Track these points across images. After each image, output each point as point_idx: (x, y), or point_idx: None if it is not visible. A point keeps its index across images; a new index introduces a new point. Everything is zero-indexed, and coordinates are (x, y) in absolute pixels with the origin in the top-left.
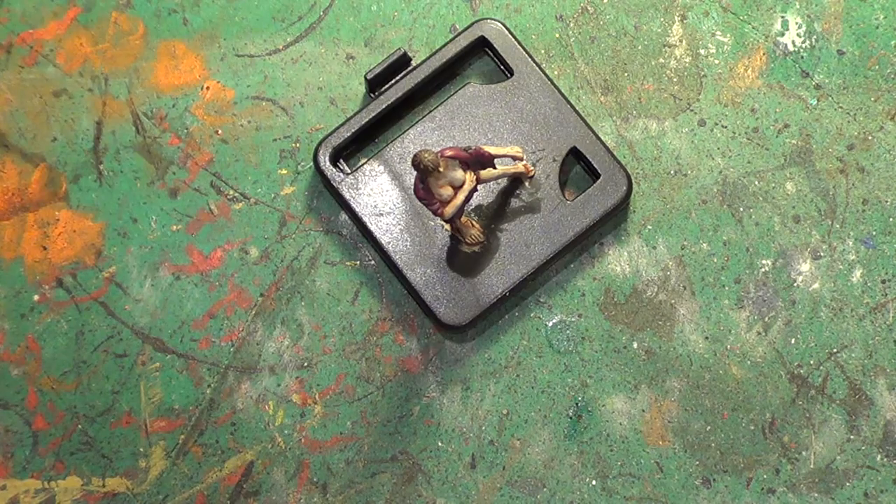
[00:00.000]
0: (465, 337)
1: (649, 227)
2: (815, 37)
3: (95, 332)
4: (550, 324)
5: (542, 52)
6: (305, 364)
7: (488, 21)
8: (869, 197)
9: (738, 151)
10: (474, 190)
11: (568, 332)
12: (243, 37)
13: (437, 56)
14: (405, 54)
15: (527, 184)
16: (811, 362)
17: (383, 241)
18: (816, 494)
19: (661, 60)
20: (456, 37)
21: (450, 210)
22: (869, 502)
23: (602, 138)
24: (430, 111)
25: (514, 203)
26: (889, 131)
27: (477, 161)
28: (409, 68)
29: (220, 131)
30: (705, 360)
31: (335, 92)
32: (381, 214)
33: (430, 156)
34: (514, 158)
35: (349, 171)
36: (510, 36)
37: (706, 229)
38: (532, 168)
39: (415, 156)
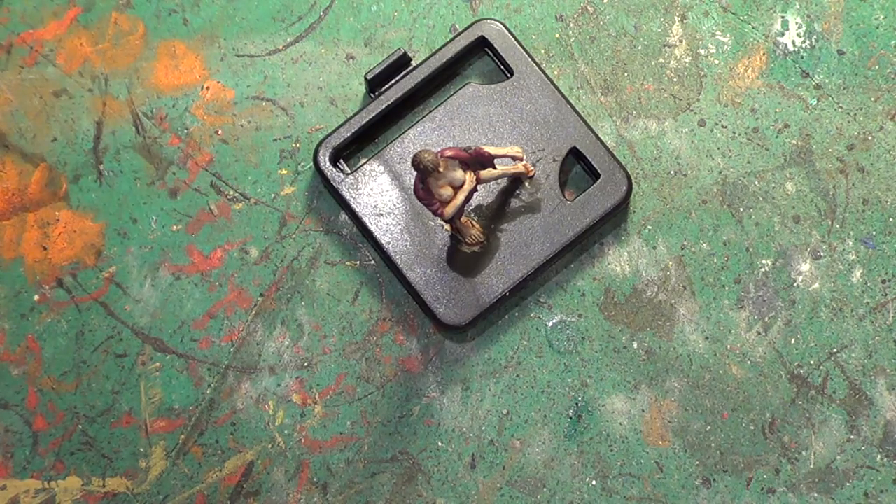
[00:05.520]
0: (465, 337)
1: (649, 227)
2: (815, 37)
3: (95, 332)
4: (550, 324)
5: (542, 52)
6: (305, 364)
7: (488, 21)
8: (869, 197)
9: (738, 151)
10: (474, 190)
11: (568, 332)
12: (243, 37)
13: (437, 56)
14: (405, 54)
15: (527, 184)
16: (811, 362)
17: (383, 241)
18: (816, 494)
19: (661, 60)
20: (456, 37)
21: (450, 210)
22: (869, 502)
23: (602, 138)
24: (430, 111)
25: (514, 203)
26: (889, 131)
27: (477, 161)
28: (409, 68)
29: (220, 131)
30: (705, 360)
31: (335, 92)
32: (381, 214)
33: (430, 156)
34: (514, 158)
35: (349, 171)
36: (510, 36)
37: (706, 229)
38: (532, 168)
39: (415, 156)
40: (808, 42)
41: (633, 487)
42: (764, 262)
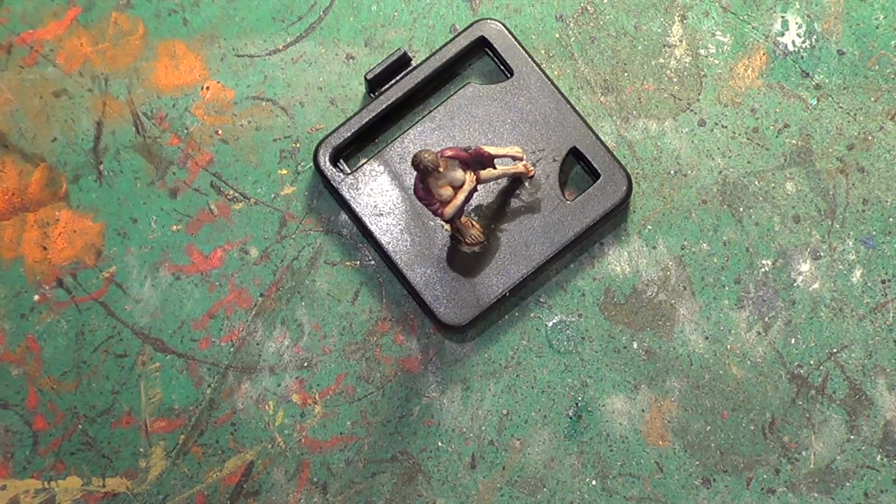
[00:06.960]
0: (465, 337)
1: (649, 227)
2: (815, 37)
3: (95, 332)
4: (550, 324)
5: (542, 52)
6: (305, 364)
7: (488, 21)
8: (869, 197)
9: (738, 151)
10: (474, 190)
11: (568, 332)
12: (243, 37)
13: (437, 56)
14: (405, 54)
15: (527, 184)
16: (811, 362)
17: (383, 241)
18: (816, 494)
19: (661, 60)
20: (456, 37)
21: (450, 210)
22: (869, 502)
23: (602, 138)
24: (430, 111)
25: (514, 203)
26: (889, 131)
27: (477, 161)
28: (409, 68)
29: (220, 131)
30: (705, 360)
31: (335, 92)
32: (381, 214)
33: (430, 156)
34: (514, 158)
35: (349, 171)
36: (510, 36)
37: (706, 229)
38: (532, 168)
39: (415, 156)
40: (808, 42)
41: (633, 487)
42: (764, 262)
